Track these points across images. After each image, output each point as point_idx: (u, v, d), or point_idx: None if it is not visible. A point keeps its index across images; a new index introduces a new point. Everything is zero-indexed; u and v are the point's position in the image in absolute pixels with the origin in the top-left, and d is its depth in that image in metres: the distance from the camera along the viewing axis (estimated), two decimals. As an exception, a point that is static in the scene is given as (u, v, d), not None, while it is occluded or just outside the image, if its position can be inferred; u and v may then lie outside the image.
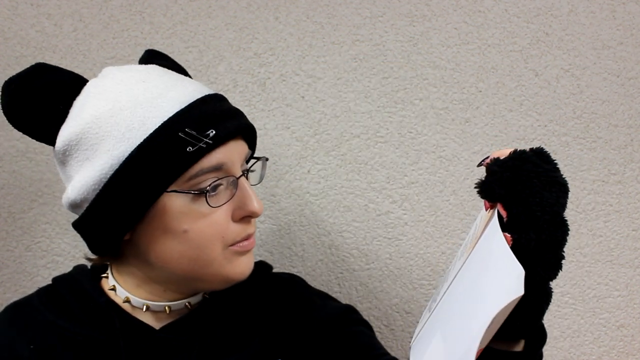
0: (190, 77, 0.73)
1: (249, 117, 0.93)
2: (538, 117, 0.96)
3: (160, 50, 0.75)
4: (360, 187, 0.95)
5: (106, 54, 0.91)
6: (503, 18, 0.95)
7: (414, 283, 0.97)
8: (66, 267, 0.89)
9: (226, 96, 0.93)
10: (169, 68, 0.67)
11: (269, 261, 0.95)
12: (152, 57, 0.72)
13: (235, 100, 0.93)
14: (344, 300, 0.94)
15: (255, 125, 0.93)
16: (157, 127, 0.57)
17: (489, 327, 0.43)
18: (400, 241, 0.96)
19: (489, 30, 0.95)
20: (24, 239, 0.92)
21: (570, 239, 0.98)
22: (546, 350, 0.99)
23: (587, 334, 1.00)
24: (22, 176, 0.91)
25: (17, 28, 0.89)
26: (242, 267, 0.63)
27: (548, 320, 0.98)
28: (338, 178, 0.95)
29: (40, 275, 0.92)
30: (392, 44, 0.94)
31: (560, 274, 1.06)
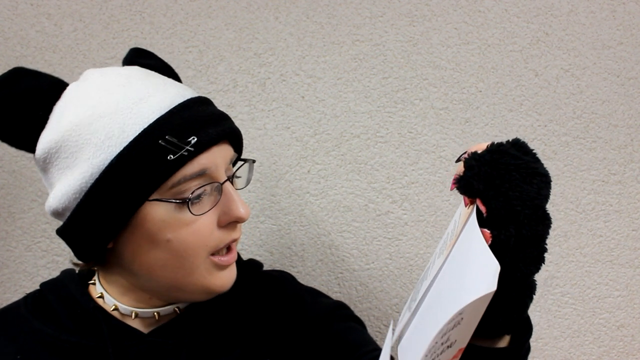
0: (176, 75, 0.71)
1: (249, 117, 0.94)
2: (538, 117, 0.96)
3: (151, 50, 0.73)
4: (360, 187, 0.95)
5: (106, 54, 0.91)
6: (503, 18, 0.95)
7: (414, 283, 0.97)
8: (66, 267, 0.89)
9: (226, 96, 0.93)
10: (153, 67, 0.66)
11: (269, 261, 0.95)
12: (136, 56, 0.71)
13: (235, 100, 0.93)
14: (344, 300, 0.94)
15: (255, 125, 0.94)
16: (137, 134, 0.56)
17: (457, 322, 0.42)
18: (400, 241, 0.96)
19: (489, 30, 0.95)
20: (24, 239, 0.92)
21: (570, 239, 0.98)
22: (546, 350, 0.99)
23: (587, 334, 1.00)
24: (22, 176, 0.91)
25: (17, 28, 0.89)
26: (222, 280, 0.63)
27: (548, 320, 0.99)
28: (338, 178, 0.95)
29: (40, 275, 0.92)
30: (392, 44, 0.94)
31: (560, 274, 1.06)
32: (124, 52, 0.91)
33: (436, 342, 0.42)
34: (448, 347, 0.44)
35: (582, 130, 0.97)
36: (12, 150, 0.91)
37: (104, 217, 0.56)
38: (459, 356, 0.46)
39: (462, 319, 0.42)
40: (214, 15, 0.92)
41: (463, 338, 0.45)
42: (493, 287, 0.40)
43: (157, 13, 0.91)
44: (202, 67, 0.92)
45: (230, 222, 0.61)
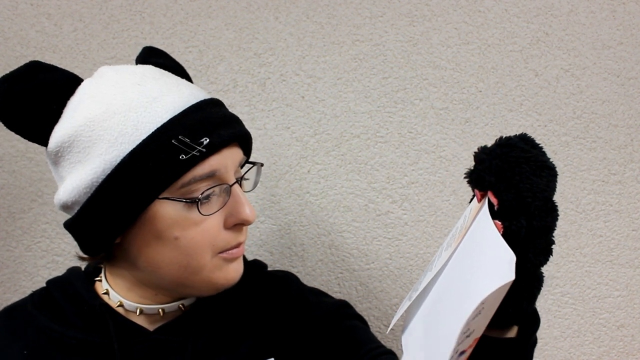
0: (188, 75, 0.72)
1: (249, 117, 0.94)
2: (538, 117, 0.96)
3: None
4: (360, 187, 0.95)
5: (106, 54, 0.91)
6: (503, 18, 0.95)
7: (414, 283, 0.97)
8: (66, 267, 0.89)
9: (226, 96, 0.93)
10: (166, 67, 0.67)
11: (269, 261, 0.95)
12: (149, 55, 0.71)
13: (235, 100, 0.93)
14: (344, 300, 0.94)
15: (255, 125, 0.94)
16: (150, 133, 0.56)
17: (478, 311, 0.43)
18: (400, 241, 0.96)
19: (489, 30, 0.95)
20: (24, 239, 0.92)
21: (570, 239, 0.98)
22: (546, 350, 0.99)
23: (587, 334, 1.00)
24: (22, 176, 0.91)
25: (17, 28, 0.89)
26: (230, 274, 0.63)
27: (548, 320, 0.99)
28: (338, 178, 0.95)
29: (40, 275, 0.92)
30: (392, 44, 0.94)
31: (560, 274, 1.07)
32: (124, 52, 0.91)
33: (462, 332, 0.43)
34: (467, 336, 0.45)
35: (582, 130, 0.97)
36: (12, 150, 0.91)
37: (113, 213, 0.57)
38: (474, 346, 0.47)
39: (483, 308, 0.43)
40: (214, 15, 0.92)
41: (479, 328, 0.46)
42: (511, 276, 0.41)
43: (157, 13, 0.91)
44: (202, 67, 0.92)
45: (236, 224, 0.62)
